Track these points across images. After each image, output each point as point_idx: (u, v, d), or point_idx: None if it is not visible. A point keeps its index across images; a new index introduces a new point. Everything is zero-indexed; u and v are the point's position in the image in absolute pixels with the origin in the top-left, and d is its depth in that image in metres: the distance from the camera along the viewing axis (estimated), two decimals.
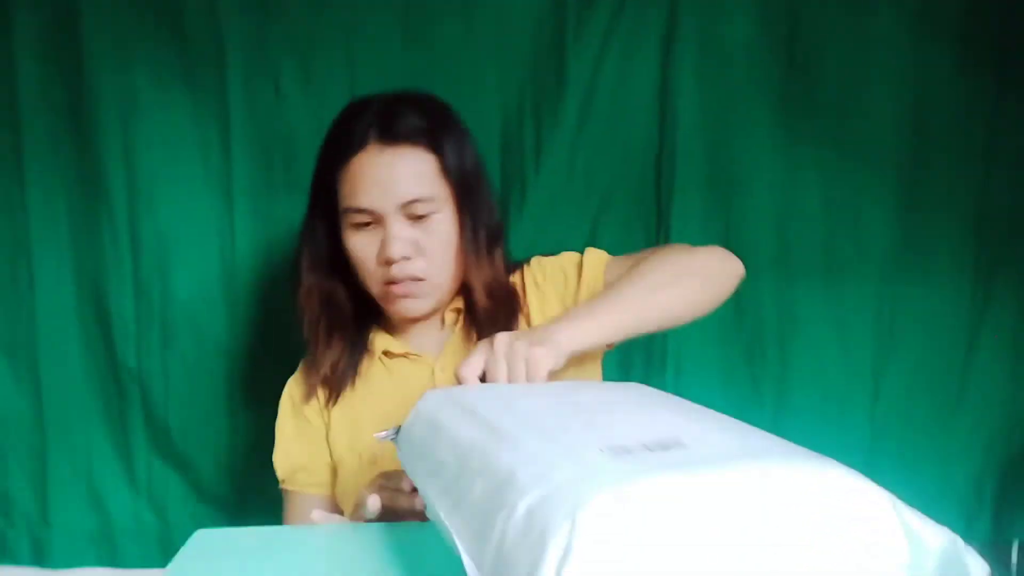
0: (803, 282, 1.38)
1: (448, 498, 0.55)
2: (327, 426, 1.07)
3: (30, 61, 1.27)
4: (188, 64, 1.29)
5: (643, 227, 1.38)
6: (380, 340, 1.07)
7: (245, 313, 1.35)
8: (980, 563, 0.48)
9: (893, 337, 1.39)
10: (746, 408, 1.37)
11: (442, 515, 0.54)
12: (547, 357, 0.78)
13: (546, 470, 0.49)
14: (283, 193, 1.33)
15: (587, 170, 1.35)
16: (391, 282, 0.98)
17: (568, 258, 1.08)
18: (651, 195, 1.37)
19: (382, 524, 0.79)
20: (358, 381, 1.06)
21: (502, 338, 0.79)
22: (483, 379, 0.79)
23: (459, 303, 1.07)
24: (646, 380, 1.35)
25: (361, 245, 0.99)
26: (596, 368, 1.09)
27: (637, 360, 1.38)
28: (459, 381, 0.79)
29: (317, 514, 0.84)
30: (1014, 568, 1.42)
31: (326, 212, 1.03)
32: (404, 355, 1.06)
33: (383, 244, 0.97)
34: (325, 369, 1.05)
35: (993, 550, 1.40)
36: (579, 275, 1.05)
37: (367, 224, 0.98)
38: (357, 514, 0.86)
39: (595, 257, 1.06)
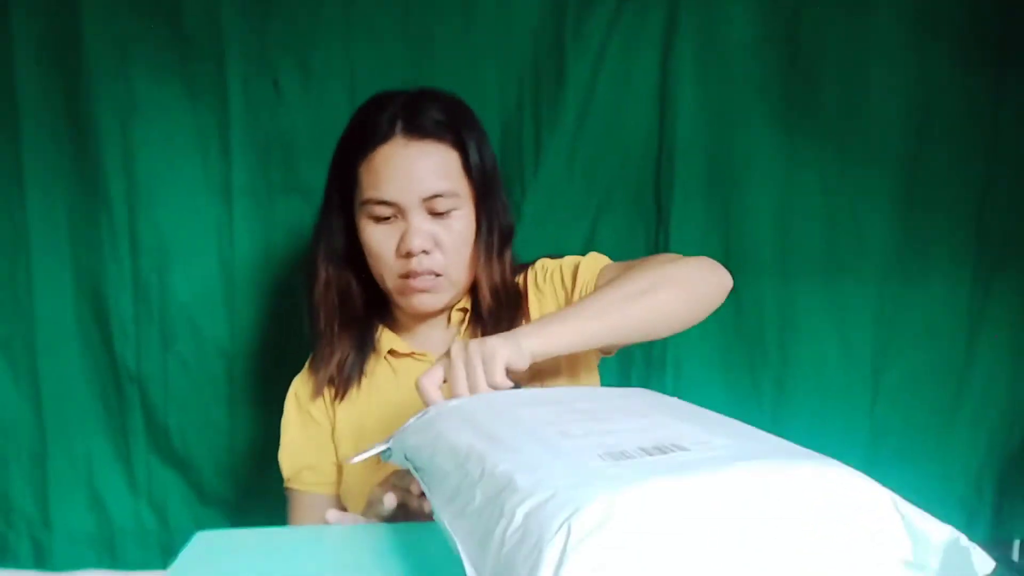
0: (803, 282, 1.38)
1: (452, 506, 0.55)
2: (333, 425, 1.07)
3: (29, 62, 1.27)
4: (187, 65, 1.29)
5: (643, 227, 1.38)
6: (386, 339, 1.07)
7: (244, 314, 1.35)
8: (984, 558, 0.47)
9: (893, 336, 1.39)
10: (746, 408, 1.37)
11: (446, 522, 0.54)
12: (503, 347, 0.77)
13: (544, 476, 0.49)
14: (282, 194, 1.33)
15: (587, 170, 1.35)
16: (409, 276, 0.98)
17: (568, 261, 1.08)
18: (651, 195, 1.36)
19: (385, 525, 0.78)
20: (364, 380, 1.06)
21: (456, 345, 0.79)
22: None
23: (466, 303, 1.07)
24: (646, 380, 1.36)
25: (380, 237, 0.99)
26: (593, 377, 1.08)
27: (637, 360, 1.38)
28: (420, 391, 0.78)
29: (332, 514, 0.84)
30: (1016, 566, 1.42)
31: (343, 204, 1.03)
32: (410, 354, 1.06)
33: (403, 237, 0.97)
34: (333, 366, 1.05)
35: (994, 548, 1.40)
36: (574, 279, 1.05)
37: (387, 217, 0.98)
38: (370, 512, 0.86)
39: (592, 261, 1.06)
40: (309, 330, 1.08)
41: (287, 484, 1.08)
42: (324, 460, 1.06)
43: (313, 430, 1.07)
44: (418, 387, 0.79)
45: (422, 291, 0.99)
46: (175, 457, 1.35)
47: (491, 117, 1.32)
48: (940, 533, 0.48)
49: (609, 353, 1.10)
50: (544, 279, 1.08)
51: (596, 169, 1.35)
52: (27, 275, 1.31)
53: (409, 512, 0.83)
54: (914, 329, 1.39)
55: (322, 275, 1.05)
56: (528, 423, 0.62)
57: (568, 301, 1.05)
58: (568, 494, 0.45)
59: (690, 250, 1.34)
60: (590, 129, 1.34)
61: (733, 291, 1.38)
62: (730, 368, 1.39)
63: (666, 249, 1.35)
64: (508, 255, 1.06)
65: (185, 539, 0.74)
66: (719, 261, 1.35)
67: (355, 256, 1.04)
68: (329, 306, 1.06)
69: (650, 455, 0.52)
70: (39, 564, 1.36)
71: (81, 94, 1.28)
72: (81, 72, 1.27)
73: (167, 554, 1.33)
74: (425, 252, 0.97)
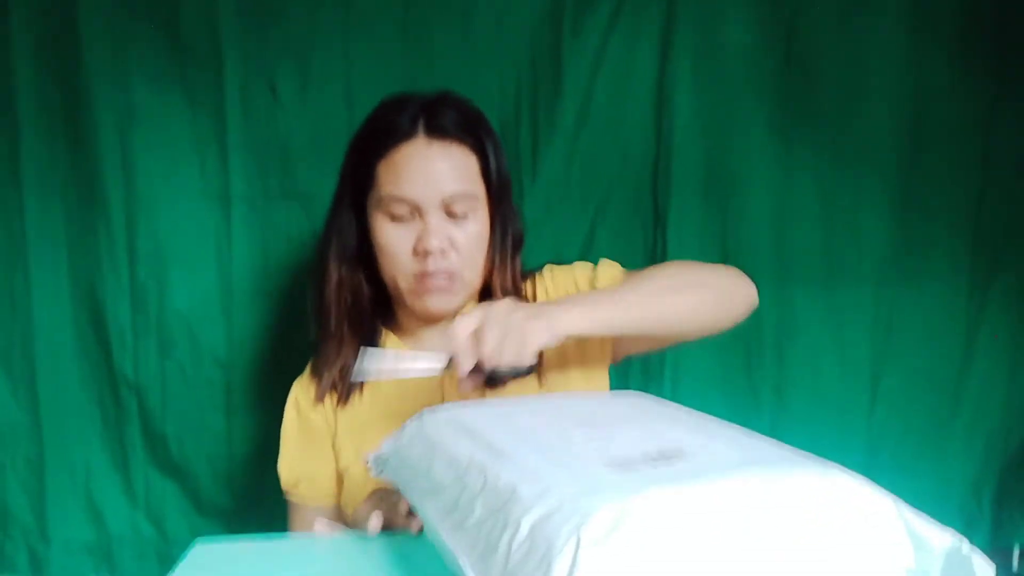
0: (800, 286, 1.38)
1: (450, 519, 0.55)
2: (335, 431, 1.06)
3: (28, 68, 1.27)
4: (185, 71, 1.29)
5: (640, 231, 1.37)
6: (390, 343, 1.07)
7: (242, 321, 1.34)
8: (986, 564, 0.47)
9: (890, 341, 1.39)
10: (743, 413, 1.36)
11: (444, 536, 0.54)
12: (541, 333, 0.78)
13: (548, 486, 0.49)
14: (280, 200, 1.33)
15: (584, 175, 1.35)
16: (424, 276, 0.98)
17: (581, 269, 1.09)
18: (648, 200, 1.36)
19: (386, 535, 0.78)
20: (365, 386, 1.05)
21: (501, 305, 0.80)
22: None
23: (467, 309, 1.06)
24: (644, 385, 1.35)
25: (396, 236, 0.98)
26: (604, 377, 1.08)
27: (635, 365, 1.37)
28: (451, 336, 0.79)
29: (320, 524, 0.84)
30: (1015, 574, 1.42)
31: (355, 202, 1.03)
32: None
33: (421, 236, 0.97)
34: (337, 370, 1.04)
35: (993, 556, 1.40)
36: (591, 287, 1.05)
37: (403, 216, 0.98)
38: (358, 525, 0.86)
39: (609, 269, 1.07)
40: (316, 332, 1.07)
41: (286, 495, 1.08)
42: (322, 471, 1.06)
43: (312, 439, 1.06)
44: (451, 332, 0.79)
45: (436, 292, 0.99)
46: (172, 466, 1.35)
47: (489, 120, 1.32)
48: (942, 540, 0.48)
49: (616, 360, 1.10)
50: (555, 286, 1.08)
51: (594, 172, 1.35)
52: (25, 282, 1.31)
53: (395, 530, 0.83)
54: (912, 334, 1.39)
55: (334, 275, 1.04)
56: (528, 432, 0.62)
57: None
58: (575, 504, 0.45)
59: (687, 254, 1.35)
60: (588, 132, 1.34)
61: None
62: (728, 372, 1.39)
63: (664, 253, 1.35)
64: (518, 262, 1.07)
65: (183, 548, 0.74)
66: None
67: (364, 257, 1.04)
68: (341, 307, 1.05)
69: (654, 463, 0.52)
70: (35, 573, 1.35)
71: (79, 101, 1.27)
72: (79, 79, 1.27)
73: (164, 563, 1.32)
74: (442, 252, 0.97)
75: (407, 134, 0.97)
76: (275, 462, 1.07)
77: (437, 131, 0.97)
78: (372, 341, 1.06)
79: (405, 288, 1.00)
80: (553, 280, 1.09)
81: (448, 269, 0.98)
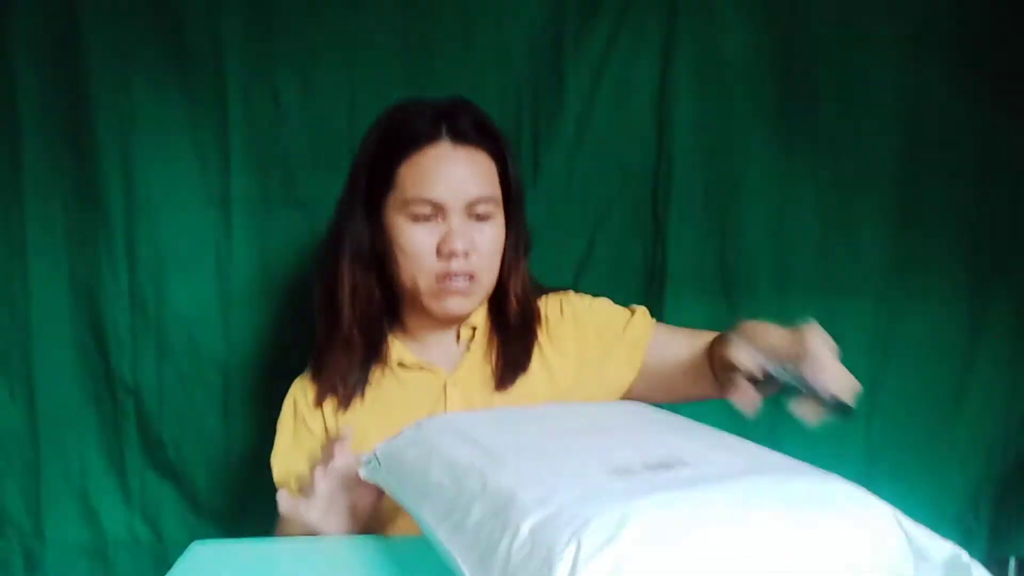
0: (799, 298, 1.38)
1: (447, 521, 0.55)
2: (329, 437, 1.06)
3: (30, 74, 1.27)
4: (187, 77, 1.29)
5: (640, 243, 1.38)
6: (396, 349, 1.07)
7: (241, 325, 1.34)
8: (985, 575, 0.48)
9: (889, 352, 1.39)
10: (742, 423, 1.35)
11: (442, 538, 0.54)
12: None
13: (548, 491, 0.49)
14: (281, 207, 1.33)
15: (584, 185, 1.35)
16: (446, 277, 0.98)
17: (610, 308, 1.10)
18: (648, 212, 1.37)
19: (383, 538, 0.78)
20: (368, 390, 1.05)
21: (820, 332, 0.81)
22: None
23: (476, 319, 1.07)
24: None
25: (419, 237, 0.99)
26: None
27: None
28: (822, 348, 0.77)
29: (282, 497, 0.90)
30: None
31: (369, 205, 1.03)
32: (419, 367, 1.06)
33: (445, 237, 0.97)
34: (341, 374, 1.04)
35: (990, 567, 1.40)
36: (621, 331, 1.07)
37: (426, 218, 0.98)
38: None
39: (644, 319, 1.09)
40: (322, 335, 1.06)
41: (278, 486, 1.06)
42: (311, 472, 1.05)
43: (305, 441, 1.06)
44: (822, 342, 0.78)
45: (456, 294, 1.00)
46: (170, 468, 1.35)
47: None
48: (942, 550, 0.48)
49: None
50: (572, 314, 1.09)
51: (594, 184, 1.36)
52: (24, 285, 1.30)
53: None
54: (910, 346, 1.39)
55: (347, 279, 1.03)
56: (527, 439, 0.62)
57: (603, 353, 1.06)
58: (575, 509, 0.45)
59: (686, 267, 1.35)
60: (588, 144, 1.34)
61: (728, 307, 1.39)
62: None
63: (663, 266, 1.35)
64: (527, 267, 1.08)
65: (179, 551, 0.74)
66: (716, 277, 1.37)
67: (378, 258, 1.04)
68: (354, 311, 1.04)
69: (654, 470, 0.52)
70: (31, 575, 1.34)
71: (81, 106, 1.28)
72: (81, 84, 1.27)
73: (160, 566, 1.31)
74: (465, 254, 0.98)
75: (431, 137, 0.98)
76: (271, 465, 1.07)
77: (460, 136, 0.99)
78: (379, 345, 1.06)
79: (425, 289, 1.00)
80: (592, 313, 1.09)
81: (469, 271, 0.99)
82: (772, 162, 1.36)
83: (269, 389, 1.25)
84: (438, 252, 0.98)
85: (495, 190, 1.01)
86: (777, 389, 0.78)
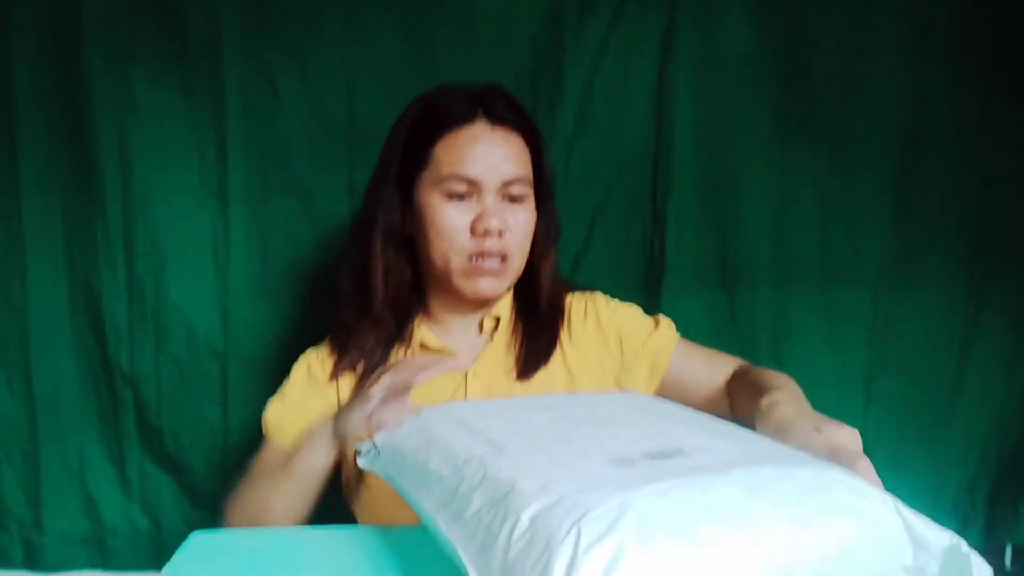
0: (797, 288, 1.38)
1: (447, 510, 0.55)
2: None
3: (27, 64, 1.26)
4: (185, 68, 1.28)
5: (639, 234, 1.38)
6: (421, 331, 1.06)
7: (239, 315, 1.34)
8: (983, 565, 0.48)
9: (886, 345, 1.39)
10: None
11: (441, 527, 0.54)
12: None
13: (548, 481, 0.49)
14: (278, 197, 1.32)
15: (583, 177, 1.35)
16: (480, 255, 0.99)
17: (638, 317, 1.12)
18: (647, 203, 1.37)
19: (381, 528, 0.78)
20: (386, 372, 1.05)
21: None
22: None
23: (501, 310, 1.07)
24: None
25: (454, 215, 0.99)
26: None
27: None
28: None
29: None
30: (1009, 573, 1.43)
31: (401, 183, 1.03)
32: (441, 351, 1.05)
33: (481, 216, 0.98)
34: (363, 353, 1.04)
35: (986, 555, 1.41)
36: (643, 343, 1.08)
37: (460, 196, 0.99)
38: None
39: (669, 332, 1.10)
40: (349, 313, 1.06)
41: (267, 435, 1.05)
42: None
43: (311, 403, 1.05)
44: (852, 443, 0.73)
45: (488, 274, 1.00)
46: (168, 459, 1.35)
47: None
48: (940, 539, 0.48)
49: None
50: (596, 317, 1.10)
51: (593, 176, 1.36)
52: (22, 275, 1.30)
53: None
54: (908, 337, 1.39)
55: (380, 258, 1.04)
56: (528, 430, 0.63)
57: (624, 364, 1.07)
58: (576, 498, 0.45)
59: (686, 258, 1.35)
60: (587, 136, 1.35)
61: (727, 298, 1.39)
62: None
63: (662, 257, 1.36)
64: (554, 258, 1.10)
65: (177, 541, 0.74)
66: (714, 268, 1.37)
67: (408, 237, 1.05)
68: (388, 291, 1.04)
69: (653, 459, 0.52)
70: (30, 565, 1.34)
71: (78, 97, 1.27)
72: (79, 75, 1.26)
73: (159, 555, 1.32)
74: (500, 233, 0.99)
75: (468, 116, 1.00)
76: None
77: (497, 117, 1.00)
78: (406, 325, 1.06)
79: (457, 268, 1.00)
80: (621, 319, 1.10)
81: (502, 251, 1.00)
82: (771, 154, 1.36)
83: (267, 378, 1.25)
84: (472, 231, 0.99)
85: (528, 172, 1.02)
86: None
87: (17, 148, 1.27)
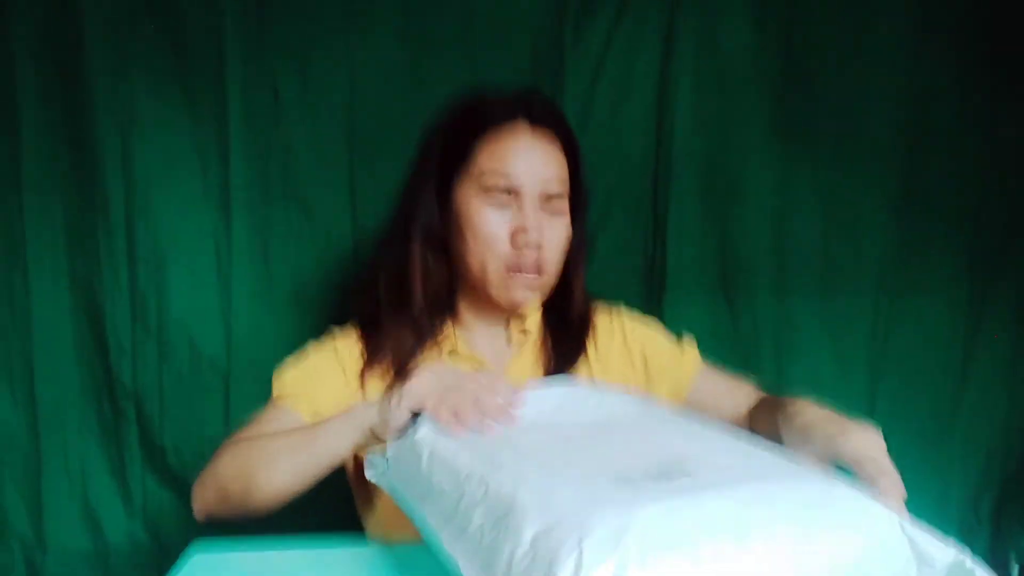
0: (799, 292, 1.38)
1: (449, 527, 0.55)
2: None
3: (29, 70, 1.26)
4: (187, 74, 1.29)
5: (640, 237, 1.38)
6: (452, 336, 1.03)
7: (242, 327, 1.33)
8: None
9: (889, 348, 1.39)
10: None
11: (444, 542, 0.54)
12: None
13: (551, 500, 0.49)
14: (281, 204, 1.32)
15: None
16: (516, 268, 0.97)
17: (666, 345, 1.09)
18: (648, 206, 1.37)
19: (384, 544, 0.78)
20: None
21: None
22: None
23: (530, 323, 1.05)
24: None
25: (493, 220, 0.97)
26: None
27: None
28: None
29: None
30: None
31: (442, 183, 1.00)
32: (470, 358, 1.03)
33: (521, 227, 0.96)
34: (399, 354, 1.00)
35: (991, 567, 1.40)
36: (664, 362, 1.07)
37: (500, 201, 0.97)
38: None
39: (692, 351, 1.09)
40: (388, 315, 1.01)
41: (277, 395, 0.99)
42: (328, 402, 0.98)
43: (331, 381, 1.00)
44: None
45: (524, 285, 0.98)
46: (170, 474, 1.34)
47: None
48: (945, 555, 0.48)
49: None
50: (622, 334, 1.08)
51: (594, 178, 1.35)
52: (24, 286, 1.30)
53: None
54: (910, 342, 1.39)
55: (419, 262, 1.00)
56: (530, 444, 0.62)
57: (647, 383, 1.06)
58: (578, 517, 0.45)
59: (686, 261, 1.35)
60: (588, 138, 1.34)
61: (728, 303, 1.39)
62: None
63: (663, 260, 1.36)
64: (584, 273, 1.07)
65: (180, 556, 0.73)
66: (715, 273, 1.37)
67: (446, 238, 1.02)
68: (428, 294, 1.01)
69: (657, 476, 0.52)
70: None
71: (81, 103, 1.27)
72: (81, 81, 1.27)
73: (161, 571, 1.31)
74: (538, 245, 0.97)
75: (510, 116, 0.97)
76: None
77: (538, 119, 0.98)
78: (441, 329, 1.03)
79: (493, 274, 0.98)
80: (648, 338, 1.09)
81: (539, 264, 0.97)
82: (772, 157, 1.36)
83: (270, 392, 1.24)
84: (512, 241, 0.96)
85: (566, 184, 0.99)
86: None
87: (19, 156, 1.27)
